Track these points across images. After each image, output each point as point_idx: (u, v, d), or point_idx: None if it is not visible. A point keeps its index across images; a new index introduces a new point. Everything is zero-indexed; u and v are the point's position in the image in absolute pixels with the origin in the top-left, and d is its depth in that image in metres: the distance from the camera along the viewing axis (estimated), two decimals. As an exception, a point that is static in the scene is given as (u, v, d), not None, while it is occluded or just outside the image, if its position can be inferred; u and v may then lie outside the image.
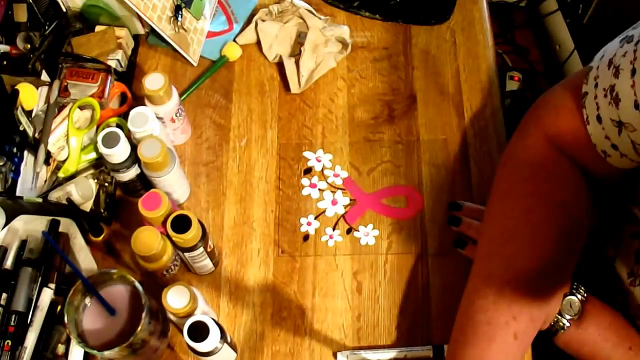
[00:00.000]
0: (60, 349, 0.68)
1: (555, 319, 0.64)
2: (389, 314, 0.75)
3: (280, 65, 0.89)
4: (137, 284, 0.64)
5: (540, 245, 0.61)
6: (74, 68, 0.81)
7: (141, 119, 0.72)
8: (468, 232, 0.76)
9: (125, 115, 0.77)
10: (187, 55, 0.88)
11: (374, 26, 0.93)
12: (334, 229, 0.79)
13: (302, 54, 0.87)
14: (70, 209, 0.75)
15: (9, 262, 0.70)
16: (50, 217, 0.72)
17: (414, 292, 0.76)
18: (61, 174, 0.78)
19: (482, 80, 0.89)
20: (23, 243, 0.72)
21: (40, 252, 0.71)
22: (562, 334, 0.65)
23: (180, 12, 0.86)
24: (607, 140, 0.57)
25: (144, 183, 0.76)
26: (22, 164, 0.76)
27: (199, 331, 0.60)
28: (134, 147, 0.72)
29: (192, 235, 0.65)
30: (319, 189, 0.82)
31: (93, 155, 0.79)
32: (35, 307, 0.68)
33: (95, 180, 0.79)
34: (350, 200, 0.81)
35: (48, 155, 0.77)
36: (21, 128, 0.75)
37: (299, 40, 0.90)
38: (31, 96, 0.78)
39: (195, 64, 0.90)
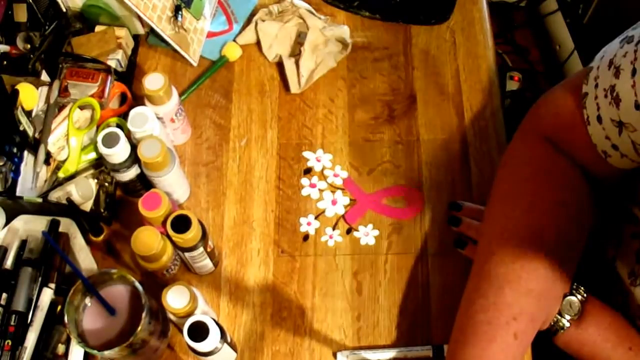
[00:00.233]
0: (60, 349, 0.68)
1: (555, 319, 0.64)
2: (389, 314, 0.75)
3: (280, 65, 0.89)
4: (137, 284, 0.64)
5: (541, 246, 0.61)
6: (74, 68, 0.81)
7: (141, 119, 0.72)
8: (468, 232, 0.76)
9: (125, 115, 0.77)
10: (187, 55, 0.88)
11: (374, 26, 0.93)
12: (334, 229, 0.79)
13: (302, 54, 0.87)
14: (70, 209, 0.75)
15: (9, 262, 0.70)
16: (50, 217, 0.72)
17: (414, 292, 0.76)
18: (61, 174, 0.78)
19: (482, 80, 0.89)
20: (23, 243, 0.72)
21: (40, 252, 0.71)
22: (562, 334, 0.65)
23: (180, 12, 0.86)
24: (607, 140, 0.57)
25: (144, 183, 0.76)
26: (22, 164, 0.76)
27: (199, 331, 0.60)
28: (134, 147, 0.72)
29: (192, 235, 0.65)
30: (319, 189, 0.82)
31: (93, 155, 0.79)
32: (35, 307, 0.68)
33: (95, 180, 0.79)
34: (350, 200, 0.81)
35: (48, 155, 0.77)
36: (21, 128, 0.75)
37: (299, 40, 0.90)
38: (31, 96, 0.78)
39: (195, 64, 0.90)
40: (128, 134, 0.73)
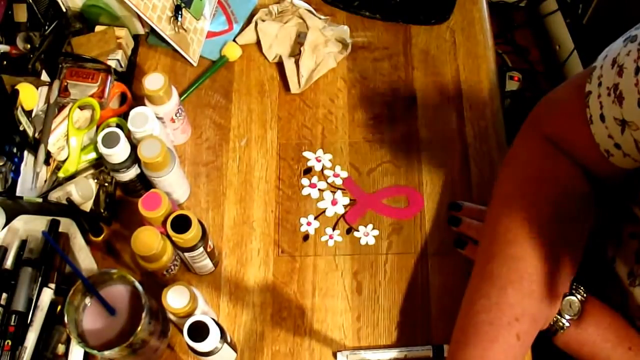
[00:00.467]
0: (60, 349, 0.68)
1: (555, 319, 0.64)
2: (389, 314, 0.75)
3: (280, 65, 0.89)
4: (137, 284, 0.64)
5: (543, 246, 0.61)
6: (74, 68, 0.81)
7: (141, 119, 0.72)
8: (468, 232, 0.76)
9: (125, 115, 0.77)
10: (187, 55, 0.88)
11: (374, 26, 0.93)
12: (334, 229, 0.79)
13: (302, 54, 0.87)
14: (70, 209, 0.75)
15: (9, 262, 0.70)
16: (50, 217, 0.72)
17: (414, 292, 0.76)
18: (61, 174, 0.78)
19: (482, 80, 0.89)
20: (23, 243, 0.72)
21: (40, 252, 0.71)
22: (562, 334, 0.65)
23: (180, 12, 0.86)
24: (610, 139, 0.57)
25: (144, 183, 0.76)
26: (22, 164, 0.76)
27: (199, 331, 0.60)
28: (134, 147, 0.72)
29: (192, 235, 0.65)
30: (319, 189, 0.82)
31: (93, 155, 0.79)
32: (35, 307, 0.68)
33: (95, 180, 0.79)
34: (350, 200, 0.81)
35: (48, 155, 0.77)
36: (21, 128, 0.75)
37: (299, 40, 0.90)
38: (31, 96, 0.78)
39: (195, 64, 0.90)
40: (128, 134, 0.73)
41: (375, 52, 0.91)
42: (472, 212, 0.77)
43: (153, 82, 0.74)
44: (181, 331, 0.62)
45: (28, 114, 0.77)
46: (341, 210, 0.80)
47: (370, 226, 0.79)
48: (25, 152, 0.76)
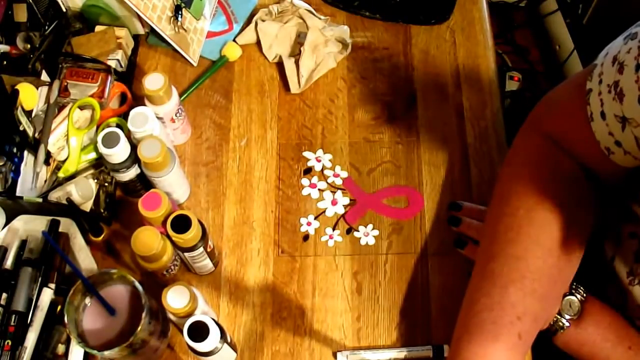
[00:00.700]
0: (60, 349, 0.68)
1: (555, 319, 0.64)
2: (389, 314, 0.75)
3: (280, 65, 0.89)
4: (137, 284, 0.64)
5: (544, 245, 0.61)
6: (74, 68, 0.81)
7: (141, 119, 0.72)
8: (468, 232, 0.76)
9: (125, 115, 0.77)
10: (187, 55, 0.88)
11: (374, 26, 0.93)
12: (334, 229, 0.79)
13: (302, 54, 0.87)
14: (70, 209, 0.75)
15: (9, 262, 0.70)
16: (50, 217, 0.72)
17: (414, 292, 0.76)
18: (61, 174, 0.78)
19: (482, 80, 0.89)
20: (23, 243, 0.72)
21: (40, 252, 0.71)
22: (562, 334, 0.65)
23: (180, 12, 0.86)
24: (610, 136, 0.57)
25: (144, 183, 0.76)
26: (22, 164, 0.76)
27: (199, 331, 0.60)
28: (134, 147, 0.72)
29: (192, 235, 0.65)
30: (319, 189, 0.82)
31: (93, 155, 0.79)
32: (35, 307, 0.68)
33: (95, 180, 0.79)
34: (350, 200, 0.81)
35: (48, 155, 0.77)
36: (21, 128, 0.75)
37: (299, 40, 0.90)
38: (31, 96, 0.78)
39: (195, 64, 0.90)
40: (128, 134, 0.73)
41: (375, 52, 0.91)
42: (472, 212, 0.77)
43: (153, 82, 0.74)
44: (181, 331, 0.62)
45: (28, 114, 0.77)
46: (341, 210, 0.80)
47: (370, 226, 0.79)
48: (25, 152, 0.76)
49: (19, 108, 0.75)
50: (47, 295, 0.68)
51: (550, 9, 1.77)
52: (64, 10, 0.86)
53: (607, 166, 0.61)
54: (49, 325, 0.68)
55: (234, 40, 0.91)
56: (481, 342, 0.58)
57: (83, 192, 0.76)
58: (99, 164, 0.79)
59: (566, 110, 0.64)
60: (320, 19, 0.90)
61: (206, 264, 0.73)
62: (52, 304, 0.68)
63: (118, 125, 0.80)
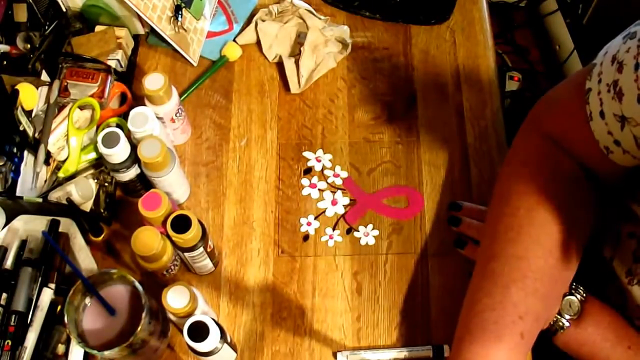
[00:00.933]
0: (60, 349, 0.68)
1: (555, 319, 0.64)
2: (388, 314, 0.75)
3: (280, 65, 0.89)
4: (137, 284, 0.64)
5: (545, 245, 0.61)
6: (74, 68, 0.81)
7: (141, 119, 0.72)
8: (468, 232, 0.76)
9: (125, 115, 0.77)
10: (187, 55, 0.88)
11: (374, 26, 0.93)
12: (334, 229, 0.79)
13: (302, 54, 0.87)
14: (70, 209, 0.75)
15: (9, 262, 0.70)
16: (50, 217, 0.72)
17: (413, 292, 0.76)
18: (61, 174, 0.78)
19: (482, 80, 0.89)
20: (23, 243, 0.72)
21: (40, 252, 0.71)
22: (562, 334, 0.65)
23: (180, 12, 0.86)
24: (609, 136, 0.57)
25: (144, 183, 0.76)
26: (22, 164, 0.76)
27: (199, 331, 0.60)
28: (134, 147, 0.72)
29: (192, 235, 0.65)
30: (319, 189, 0.82)
31: (93, 155, 0.79)
32: (35, 307, 0.68)
33: (95, 180, 0.79)
34: (350, 200, 0.81)
35: (48, 155, 0.77)
36: (21, 128, 0.75)
37: (299, 40, 0.90)
38: (31, 96, 0.78)
39: (195, 64, 0.90)
40: (128, 134, 0.73)
41: (375, 52, 0.91)
42: (472, 212, 0.77)
43: (153, 82, 0.74)
44: (181, 331, 0.62)
45: (28, 114, 0.77)
46: (341, 211, 0.80)
47: (370, 226, 0.79)
48: (25, 152, 0.76)
49: (19, 108, 0.75)
50: (47, 295, 0.68)
51: (550, 9, 1.77)
52: (64, 10, 0.86)
53: (606, 165, 0.61)
54: (49, 325, 0.68)
55: (234, 40, 0.91)
56: (483, 342, 0.58)
57: (83, 192, 0.76)
58: (99, 164, 0.79)
59: (566, 109, 0.64)
60: (320, 19, 0.90)
61: (206, 264, 0.73)
62: (52, 304, 0.68)
63: (118, 125, 0.80)
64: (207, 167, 0.83)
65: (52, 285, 0.69)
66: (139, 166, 0.73)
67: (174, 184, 0.75)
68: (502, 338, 0.58)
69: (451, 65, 0.90)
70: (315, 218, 0.80)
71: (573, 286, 0.65)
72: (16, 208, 0.73)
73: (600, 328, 0.64)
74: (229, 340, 0.66)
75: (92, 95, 0.80)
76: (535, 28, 1.86)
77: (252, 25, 0.91)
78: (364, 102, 0.87)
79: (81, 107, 0.80)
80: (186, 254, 0.69)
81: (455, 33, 0.93)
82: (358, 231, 0.79)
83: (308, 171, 0.83)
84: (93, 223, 0.76)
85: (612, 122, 0.56)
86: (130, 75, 0.88)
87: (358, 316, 0.75)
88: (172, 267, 0.72)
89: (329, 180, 0.82)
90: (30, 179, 0.76)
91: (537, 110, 0.70)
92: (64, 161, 0.78)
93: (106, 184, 0.79)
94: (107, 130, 0.71)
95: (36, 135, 0.77)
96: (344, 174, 0.83)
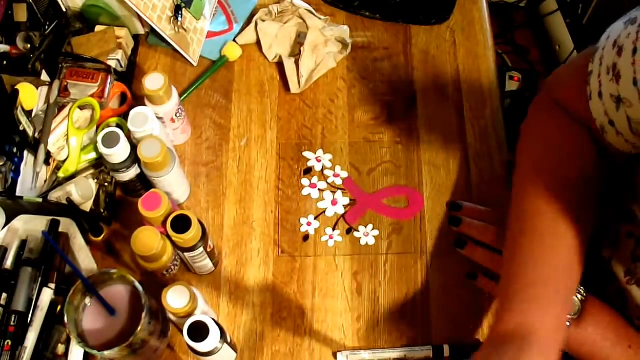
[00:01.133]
0: (60, 349, 0.68)
1: (555, 319, 0.64)
2: (389, 314, 0.75)
3: (280, 65, 0.89)
4: (137, 284, 0.64)
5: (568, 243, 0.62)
6: (74, 68, 0.81)
7: (141, 119, 0.72)
8: (468, 232, 0.76)
9: (125, 115, 0.77)
10: (187, 55, 0.88)
11: (374, 26, 0.93)
12: (334, 229, 0.79)
13: (302, 54, 0.87)
14: (70, 209, 0.75)
15: (9, 262, 0.70)
16: (50, 217, 0.72)
17: (414, 292, 0.76)
18: (61, 174, 0.78)
19: (482, 80, 0.89)
20: (23, 243, 0.72)
21: (40, 252, 0.71)
22: (562, 334, 0.65)
23: (180, 12, 0.86)
24: (605, 116, 0.60)
25: (144, 183, 0.76)
26: (22, 164, 0.76)
27: (199, 331, 0.60)
28: (134, 147, 0.72)
29: (192, 235, 0.65)
30: (319, 189, 0.82)
31: (93, 155, 0.79)
32: (35, 307, 0.68)
33: (95, 180, 0.79)
34: (350, 200, 0.81)
35: (48, 155, 0.77)
36: (21, 128, 0.75)
37: (299, 40, 0.90)
38: (31, 96, 0.78)
39: (195, 64, 0.90)
40: (128, 134, 0.73)
41: (375, 52, 0.91)
42: (472, 212, 0.77)
43: (153, 82, 0.74)
44: (181, 331, 0.62)
45: (28, 114, 0.77)
46: (341, 211, 0.80)
47: (370, 226, 0.79)
48: (25, 152, 0.76)
49: (19, 108, 0.75)
50: (47, 295, 0.68)
51: (550, 9, 1.77)
52: (64, 10, 0.86)
53: (602, 145, 0.63)
54: (49, 325, 0.68)
55: (234, 40, 0.91)
56: (525, 312, 0.58)
57: (83, 192, 0.76)
58: (99, 164, 0.79)
59: (569, 90, 0.67)
60: (320, 19, 0.90)
61: (206, 264, 0.73)
62: (52, 304, 0.69)
63: (118, 125, 0.80)
64: (207, 167, 0.83)
65: (52, 285, 0.69)
66: (139, 166, 0.73)
67: (174, 184, 0.75)
68: (548, 311, 0.59)
69: (451, 65, 0.90)
70: (315, 218, 0.80)
71: (573, 286, 0.65)
72: (16, 208, 0.73)
73: (601, 328, 0.64)
74: (229, 340, 0.66)
75: (92, 95, 0.80)
76: (535, 28, 1.86)
77: (252, 25, 0.91)
78: (364, 102, 0.87)
79: (81, 107, 0.80)
80: (186, 254, 0.69)
81: (455, 33, 0.93)
82: (358, 231, 0.79)
83: (308, 171, 0.83)
84: (93, 223, 0.76)
85: (609, 103, 0.58)
86: (130, 75, 0.88)
87: (358, 316, 0.75)
88: (172, 267, 0.72)
89: (329, 180, 0.82)
90: (30, 179, 0.76)
91: (546, 88, 0.72)
92: (64, 161, 0.78)
93: (106, 184, 0.79)
94: (107, 130, 0.71)
95: (36, 135, 0.77)
96: (344, 174, 0.83)
